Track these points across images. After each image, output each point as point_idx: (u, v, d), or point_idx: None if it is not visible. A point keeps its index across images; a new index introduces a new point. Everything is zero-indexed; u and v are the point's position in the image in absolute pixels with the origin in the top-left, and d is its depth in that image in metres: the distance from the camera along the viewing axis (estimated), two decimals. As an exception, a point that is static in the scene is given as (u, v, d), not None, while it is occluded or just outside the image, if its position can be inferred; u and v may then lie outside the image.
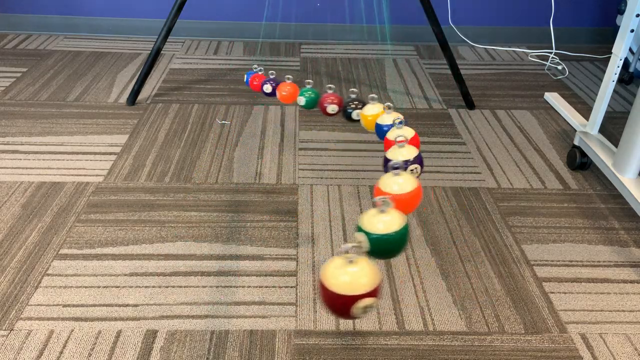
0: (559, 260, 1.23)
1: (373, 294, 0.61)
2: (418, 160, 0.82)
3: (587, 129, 1.60)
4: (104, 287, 1.13)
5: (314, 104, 1.19)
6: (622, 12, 2.13)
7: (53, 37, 2.41)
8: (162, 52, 2.18)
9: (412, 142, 0.88)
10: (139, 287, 1.13)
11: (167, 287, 1.13)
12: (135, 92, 1.87)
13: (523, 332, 1.05)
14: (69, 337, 1.01)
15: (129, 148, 1.61)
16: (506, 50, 2.43)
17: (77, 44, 2.36)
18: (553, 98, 1.96)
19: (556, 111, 1.91)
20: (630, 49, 2.12)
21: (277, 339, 1.02)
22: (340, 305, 0.60)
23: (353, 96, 1.10)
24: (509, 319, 1.08)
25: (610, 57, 1.49)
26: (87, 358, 0.97)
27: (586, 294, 1.15)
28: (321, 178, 1.50)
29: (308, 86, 1.19)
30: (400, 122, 0.89)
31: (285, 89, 1.23)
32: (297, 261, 1.21)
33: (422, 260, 1.22)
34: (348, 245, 0.62)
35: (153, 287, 1.13)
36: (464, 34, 2.46)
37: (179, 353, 0.99)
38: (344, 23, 2.44)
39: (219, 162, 1.55)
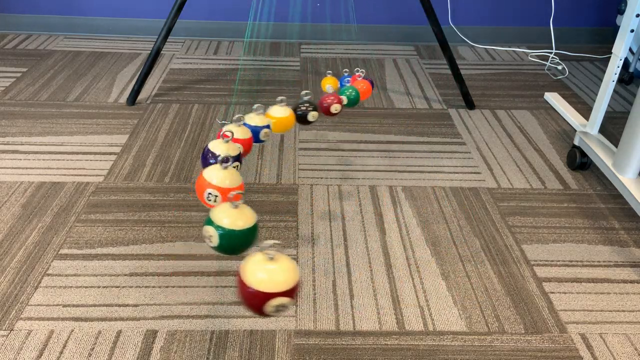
0: (559, 260, 1.23)
1: (288, 293, 0.60)
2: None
3: (587, 129, 1.60)
4: (104, 287, 1.13)
5: (356, 102, 1.19)
6: (622, 12, 2.13)
7: (53, 37, 2.41)
8: (162, 52, 2.18)
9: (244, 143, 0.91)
10: (139, 287, 1.13)
11: (167, 287, 1.13)
12: (135, 92, 1.87)
13: (523, 332, 1.05)
14: (69, 337, 1.01)
15: (129, 148, 1.61)
16: (506, 50, 2.43)
17: (77, 44, 2.36)
18: (553, 98, 1.96)
19: (556, 111, 1.91)
20: (630, 49, 2.12)
21: (277, 339, 1.02)
22: (254, 301, 0.60)
23: (306, 98, 1.09)
24: (509, 319, 1.08)
25: (610, 57, 1.49)
26: (87, 358, 0.97)
27: (586, 294, 1.15)
28: (321, 178, 1.50)
29: (347, 84, 1.20)
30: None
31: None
32: (297, 261, 1.21)
33: (422, 260, 1.22)
34: (269, 242, 0.62)
35: (153, 287, 1.13)
36: (464, 34, 2.46)
37: (179, 353, 0.99)
38: (343, 23, 2.44)
39: (219, 162, 1.55)
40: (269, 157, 1.59)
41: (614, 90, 2.07)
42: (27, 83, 1.99)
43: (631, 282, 1.18)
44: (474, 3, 2.43)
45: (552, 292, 1.15)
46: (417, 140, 1.70)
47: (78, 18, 2.44)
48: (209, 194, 0.76)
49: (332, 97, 1.13)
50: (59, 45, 2.34)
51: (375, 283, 1.16)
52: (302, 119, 1.08)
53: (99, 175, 1.48)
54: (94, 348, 0.99)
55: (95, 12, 2.44)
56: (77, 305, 1.08)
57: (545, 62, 2.31)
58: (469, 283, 1.16)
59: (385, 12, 2.44)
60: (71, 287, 1.12)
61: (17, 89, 1.94)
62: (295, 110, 1.08)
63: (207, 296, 1.11)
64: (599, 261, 1.24)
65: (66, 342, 1.00)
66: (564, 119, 1.85)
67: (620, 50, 1.46)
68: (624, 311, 1.11)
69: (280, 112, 1.03)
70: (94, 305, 1.08)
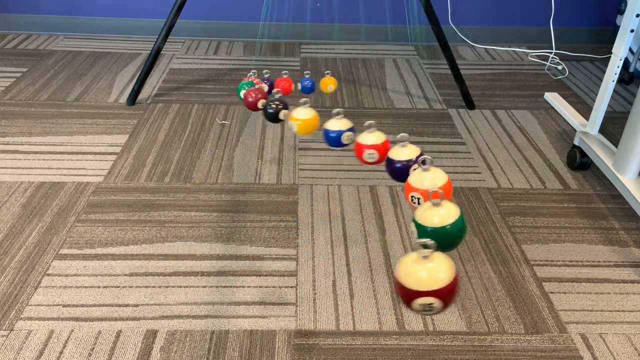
0: (559, 260, 1.23)
1: (435, 294, 0.59)
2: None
3: (587, 129, 1.60)
4: (104, 287, 1.13)
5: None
6: (622, 12, 2.13)
7: (53, 37, 2.41)
8: (162, 52, 2.18)
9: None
10: (139, 287, 1.13)
11: (167, 287, 1.13)
12: (135, 92, 1.87)
13: (523, 332, 1.05)
14: (69, 337, 1.01)
15: (129, 148, 1.61)
16: (506, 50, 2.43)
17: (77, 44, 2.36)
18: (553, 98, 1.96)
19: (556, 111, 1.91)
20: (630, 49, 2.12)
21: (277, 339, 1.02)
22: (402, 296, 0.59)
23: (277, 96, 1.05)
24: (509, 319, 1.08)
25: (610, 57, 1.49)
26: (87, 358, 0.97)
27: (586, 294, 1.15)
28: (321, 178, 1.50)
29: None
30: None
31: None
32: (297, 261, 1.21)
33: (422, 260, 1.22)
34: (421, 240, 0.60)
35: (153, 287, 1.13)
36: (464, 34, 2.46)
37: (179, 353, 0.99)
38: (343, 23, 2.44)
39: (219, 162, 1.55)
40: (269, 157, 1.59)
41: (614, 90, 2.07)
42: (27, 83, 1.99)
43: (631, 282, 1.18)
44: (474, 3, 2.43)
45: (552, 292, 1.15)
46: (417, 140, 1.70)
47: (78, 18, 2.44)
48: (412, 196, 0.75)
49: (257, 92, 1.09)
50: (59, 45, 2.34)
51: (375, 283, 1.16)
52: (274, 117, 1.04)
53: (99, 175, 1.48)
54: (94, 348, 0.99)
55: (95, 12, 2.44)
56: (77, 305, 1.08)
57: (545, 62, 2.31)
58: (469, 283, 1.16)
59: (385, 12, 2.44)
60: (71, 287, 1.12)
61: (17, 89, 1.94)
62: (265, 108, 1.04)
63: (207, 296, 1.11)
64: (599, 261, 1.24)
65: (66, 342, 1.00)
66: (564, 119, 1.85)
67: (620, 50, 1.46)
68: (624, 311, 1.11)
69: (305, 114, 1.01)
70: (94, 305, 1.08)
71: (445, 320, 1.07)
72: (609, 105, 1.94)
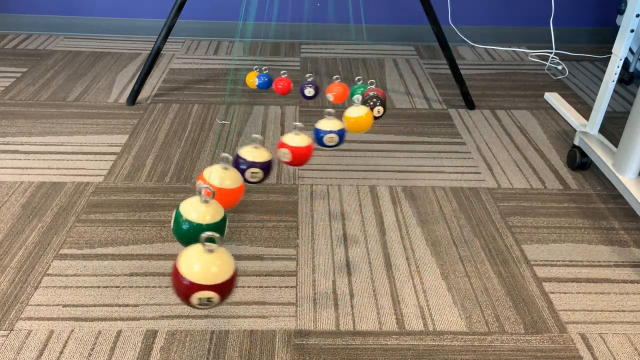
0: (559, 260, 1.23)
1: (214, 288, 0.58)
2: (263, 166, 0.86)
3: (587, 129, 1.60)
4: (104, 287, 1.13)
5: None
6: (622, 12, 2.13)
7: (53, 37, 2.41)
8: (162, 52, 2.18)
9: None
10: (139, 287, 1.13)
11: (167, 287, 1.13)
12: (135, 92, 1.87)
13: (523, 332, 1.05)
14: (69, 337, 1.01)
15: (129, 148, 1.61)
16: (506, 50, 2.43)
17: (77, 44, 2.36)
18: (553, 98, 1.96)
19: (556, 111, 1.91)
20: (630, 49, 2.12)
21: (277, 339, 1.02)
22: (181, 289, 0.58)
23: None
24: (509, 319, 1.08)
25: (610, 57, 1.49)
26: (87, 358, 0.97)
27: (586, 294, 1.15)
28: (321, 178, 1.50)
29: (359, 82, 1.21)
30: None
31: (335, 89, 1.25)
32: (297, 261, 1.21)
33: (422, 260, 1.22)
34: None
35: (153, 287, 1.13)
36: (464, 34, 2.46)
37: (179, 353, 0.99)
38: (343, 23, 2.44)
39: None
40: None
41: (614, 90, 2.07)
42: (27, 83, 1.99)
43: (631, 282, 1.18)
44: (473, 3, 2.43)
45: (552, 292, 1.15)
46: (417, 140, 1.70)
47: (78, 18, 2.44)
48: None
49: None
50: (59, 45, 2.34)
51: (375, 283, 1.16)
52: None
53: (99, 175, 1.48)
54: (94, 348, 0.99)
55: (95, 12, 2.44)
56: (77, 305, 1.08)
57: (545, 62, 2.31)
58: (469, 283, 1.16)
59: (385, 12, 2.44)
60: (71, 287, 1.12)
61: (17, 89, 1.94)
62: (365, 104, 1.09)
63: (207, 296, 1.11)
64: (599, 261, 1.24)
65: (66, 342, 1.00)
66: (564, 119, 1.85)
67: (620, 50, 1.46)
68: (624, 311, 1.11)
69: (357, 112, 1.03)
70: (94, 305, 1.08)
71: (445, 320, 1.07)
72: (609, 105, 1.94)
